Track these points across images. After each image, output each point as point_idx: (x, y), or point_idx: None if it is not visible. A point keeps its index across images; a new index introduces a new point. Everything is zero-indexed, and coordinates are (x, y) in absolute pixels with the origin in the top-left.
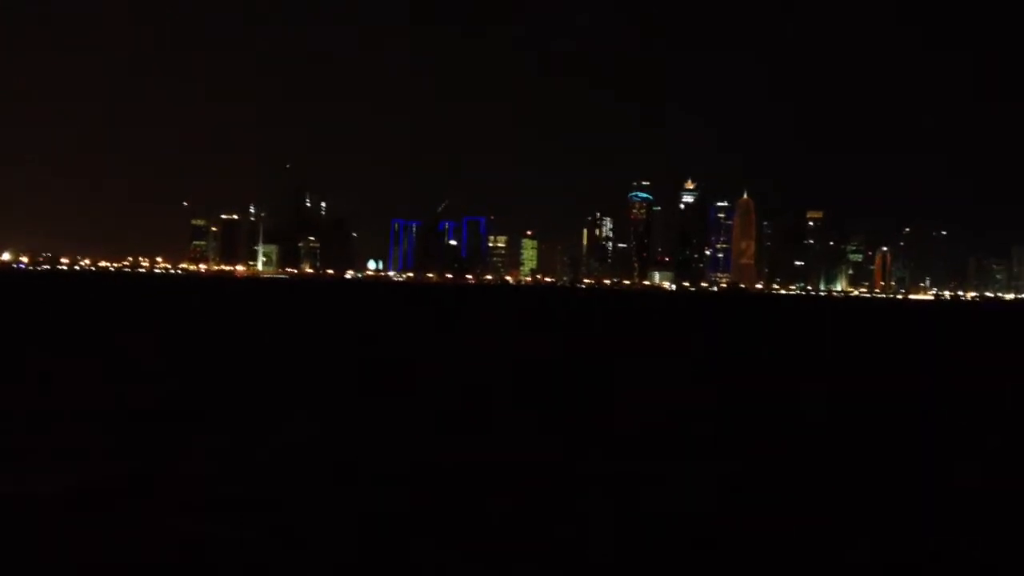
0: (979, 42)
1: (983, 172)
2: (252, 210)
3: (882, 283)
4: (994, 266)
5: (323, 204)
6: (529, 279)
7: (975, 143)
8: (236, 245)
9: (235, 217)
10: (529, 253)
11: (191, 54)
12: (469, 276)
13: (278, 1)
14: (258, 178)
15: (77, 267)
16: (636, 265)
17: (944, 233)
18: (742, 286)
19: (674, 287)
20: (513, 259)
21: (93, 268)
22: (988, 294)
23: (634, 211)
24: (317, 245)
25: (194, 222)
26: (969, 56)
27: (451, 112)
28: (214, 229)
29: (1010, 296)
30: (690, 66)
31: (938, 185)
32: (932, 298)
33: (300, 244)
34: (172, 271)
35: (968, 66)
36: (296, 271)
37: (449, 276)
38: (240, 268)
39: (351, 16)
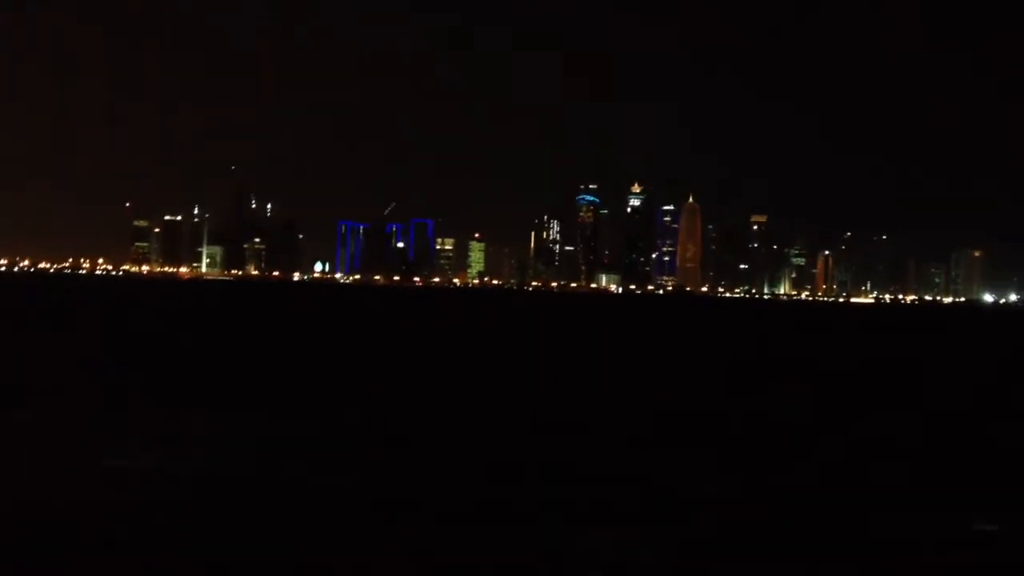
0: (931, 42)
1: (923, 177)
2: (196, 211)
3: (824, 286)
4: (933, 270)
5: (269, 206)
6: (476, 282)
7: (917, 148)
8: (179, 247)
9: (178, 218)
10: (477, 256)
11: (134, 55)
12: (416, 279)
13: (229, 3)
14: (203, 179)
15: (16, 268)
16: (583, 268)
17: (884, 237)
18: (688, 289)
19: (621, 290)
20: (461, 262)
21: (32, 269)
22: (927, 297)
23: (581, 214)
24: (263, 247)
25: (136, 223)
26: (919, 58)
27: (399, 114)
28: (157, 230)
29: (948, 299)
30: (638, 69)
31: (879, 190)
32: (873, 301)
33: (245, 246)
34: (114, 273)
35: (916, 69)
36: (241, 273)
37: (396, 278)
38: (184, 270)
39: (299, 15)
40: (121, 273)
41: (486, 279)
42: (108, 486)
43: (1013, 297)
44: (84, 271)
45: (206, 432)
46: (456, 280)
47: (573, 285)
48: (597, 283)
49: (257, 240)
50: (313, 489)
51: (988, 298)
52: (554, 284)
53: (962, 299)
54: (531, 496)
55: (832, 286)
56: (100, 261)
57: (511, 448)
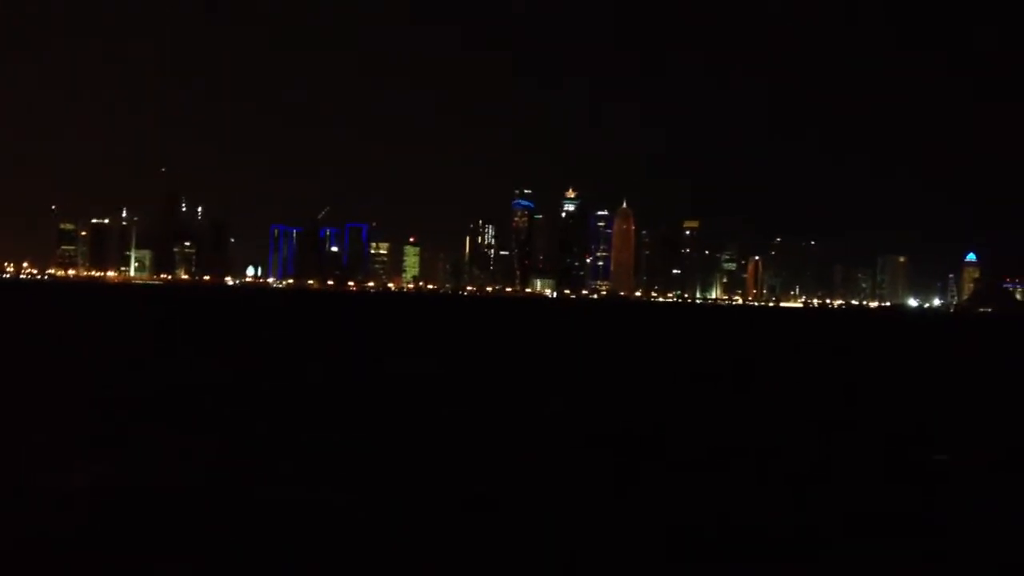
0: (866, 51)
1: (850, 184)
2: (125, 214)
3: (754, 291)
4: (859, 275)
5: (200, 209)
6: (411, 286)
7: (845, 156)
8: (107, 250)
9: (106, 221)
10: (411, 260)
11: (61, 53)
12: (351, 283)
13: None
14: (131, 182)
15: None
16: (518, 273)
17: (813, 243)
18: (622, 293)
19: (555, 294)
20: (395, 266)
21: None
22: (854, 302)
23: (516, 219)
24: (193, 251)
25: (62, 226)
26: (850, 69)
27: (336, 118)
28: (83, 234)
29: (875, 304)
30: (574, 73)
31: (808, 196)
32: (801, 306)
33: (175, 249)
34: (39, 277)
35: (846, 79)
36: (171, 277)
37: (330, 283)
38: (111, 274)
39: (222, 18)
40: (47, 277)
41: (421, 283)
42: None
43: (937, 302)
44: (8, 275)
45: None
46: (391, 284)
47: (508, 290)
48: (532, 288)
49: (187, 244)
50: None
51: (912, 303)
52: (489, 288)
53: (887, 303)
54: None
55: (762, 291)
56: (25, 265)
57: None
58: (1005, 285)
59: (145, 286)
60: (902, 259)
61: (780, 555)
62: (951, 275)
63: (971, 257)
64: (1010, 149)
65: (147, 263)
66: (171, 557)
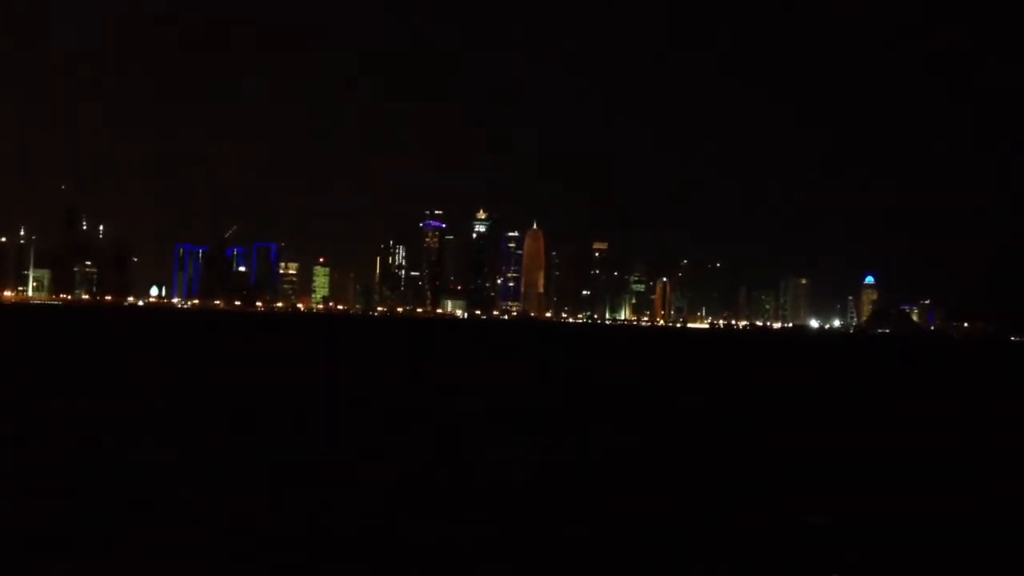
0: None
1: (755, 207)
2: (22, 232)
3: (662, 312)
4: (763, 297)
5: (101, 227)
6: (321, 306)
7: (749, 178)
8: (3, 269)
9: (3, 239)
10: (321, 280)
11: None
12: (259, 303)
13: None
14: (29, 199)
15: None
16: (429, 293)
17: (719, 265)
18: (532, 314)
19: (466, 315)
20: (305, 286)
21: None
22: (758, 323)
23: (427, 240)
24: (94, 270)
25: None
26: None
27: (241, 135)
28: None
29: (778, 325)
30: (482, 97)
31: (713, 218)
32: (708, 327)
33: (75, 269)
34: None
35: (761, 102)
36: (71, 297)
37: (238, 303)
38: (8, 293)
39: (137, 32)
40: None
41: (331, 304)
42: None
43: (837, 323)
44: None
45: None
46: (300, 305)
47: (419, 310)
48: (443, 308)
49: (88, 263)
50: None
51: (814, 323)
52: (400, 309)
53: (790, 324)
54: None
55: (670, 312)
56: None
57: None
58: (902, 307)
59: (42, 306)
60: (804, 281)
61: None
62: (851, 297)
63: (869, 280)
64: (909, 175)
65: (45, 283)
66: None
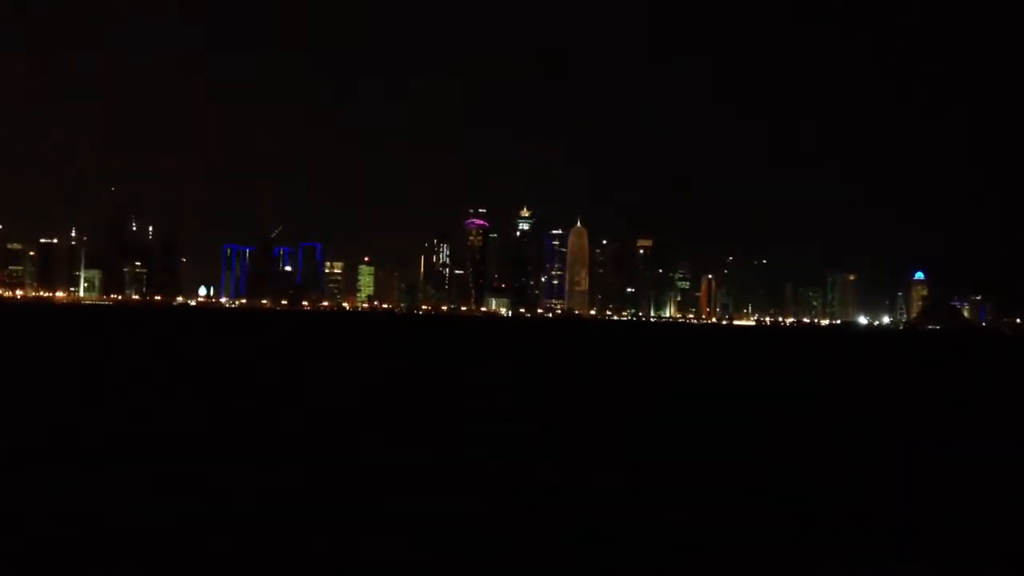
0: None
1: (799, 201)
2: (73, 234)
3: (708, 309)
4: (810, 293)
5: (150, 228)
6: (366, 305)
7: (795, 174)
8: (55, 270)
9: (55, 241)
10: (366, 279)
11: (10, 68)
12: (305, 303)
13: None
14: (80, 201)
15: None
16: (473, 291)
17: (764, 262)
18: (577, 312)
19: (510, 313)
20: (350, 285)
21: None
22: (805, 320)
23: (471, 238)
24: (144, 271)
25: (10, 246)
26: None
27: (287, 138)
28: (31, 253)
29: (825, 322)
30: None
31: (759, 215)
32: (754, 323)
33: (125, 269)
34: None
35: (800, 96)
36: (121, 297)
37: (284, 303)
38: (60, 294)
39: (182, 37)
40: None
41: (376, 303)
42: None
43: (886, 319)
44: None
45: None
46: (345, 304)
47: (463, 309)
48: (487, 307)
49: (138, 264)
50: None
51: (863, 320)
52: (444, 308)
53: (838, 321)
54: None
55: (715, 309)
56: None
57: None
58: (953, 302)
59: (94, 306)
60: (851, 277)
61: None
62: (900, 293)
63: (919, 275)
64: (958, 168)
65: (96, 283)
66: None
